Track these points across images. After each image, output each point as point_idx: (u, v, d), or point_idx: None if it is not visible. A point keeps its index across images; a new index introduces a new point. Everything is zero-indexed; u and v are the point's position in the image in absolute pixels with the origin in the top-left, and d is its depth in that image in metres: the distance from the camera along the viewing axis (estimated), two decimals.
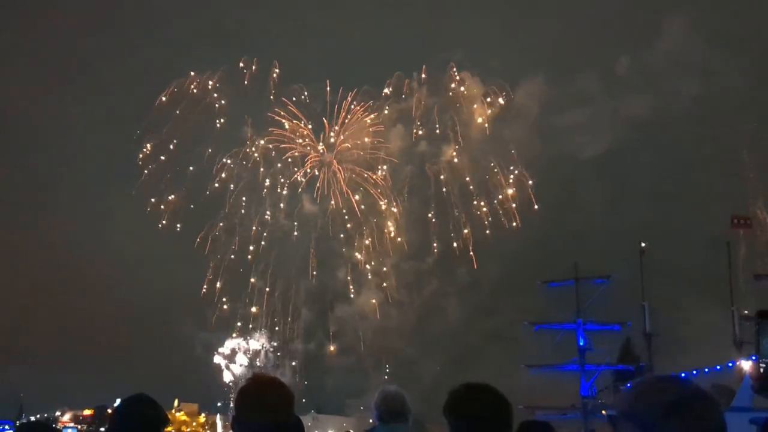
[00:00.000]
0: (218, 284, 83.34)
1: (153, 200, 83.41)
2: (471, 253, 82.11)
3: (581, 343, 48.08)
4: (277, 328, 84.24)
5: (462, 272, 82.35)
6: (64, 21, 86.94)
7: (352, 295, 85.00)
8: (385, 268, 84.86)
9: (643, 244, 49.96)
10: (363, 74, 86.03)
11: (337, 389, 77.65)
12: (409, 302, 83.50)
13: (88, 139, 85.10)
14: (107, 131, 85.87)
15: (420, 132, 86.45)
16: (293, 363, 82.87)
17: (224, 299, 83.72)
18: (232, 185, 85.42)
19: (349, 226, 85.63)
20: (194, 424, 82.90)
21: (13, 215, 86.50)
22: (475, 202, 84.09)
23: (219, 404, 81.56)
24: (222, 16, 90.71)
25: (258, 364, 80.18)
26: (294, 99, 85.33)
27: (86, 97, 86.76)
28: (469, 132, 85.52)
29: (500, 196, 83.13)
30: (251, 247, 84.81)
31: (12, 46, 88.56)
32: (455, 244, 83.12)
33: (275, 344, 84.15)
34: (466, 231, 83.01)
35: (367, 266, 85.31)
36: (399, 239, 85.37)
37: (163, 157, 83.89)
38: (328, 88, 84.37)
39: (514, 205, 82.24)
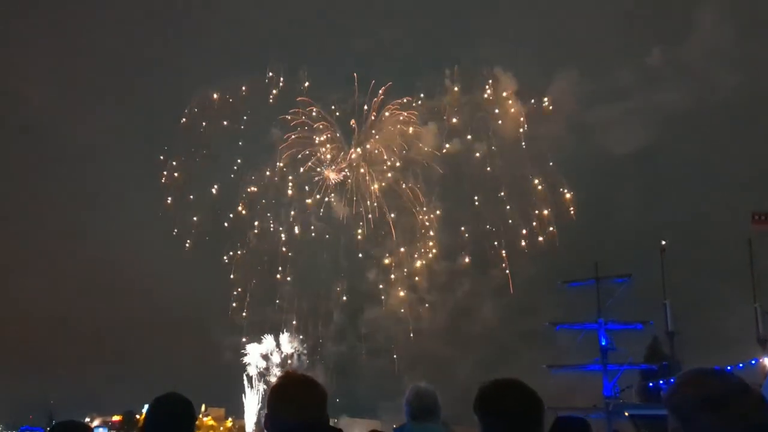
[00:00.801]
0: (248, 291, 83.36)
1: (180, 209, 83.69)
2: (503, 254, 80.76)
3: (603, 343, 48.23)
4: (301, 336, 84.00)
5: (495, 272, 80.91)
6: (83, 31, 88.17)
7: (383, 297, 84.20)
8: (416, 269, 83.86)
9: (663, 242, 50.13)
10: (392, 73, 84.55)
11: (370, 392, 77.15)
12: (441, 303, 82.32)
13: (115, 152, 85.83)
14: (134, 144, 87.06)
15: (452, 131, 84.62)
16: (325, 366, 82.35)
17: (251, 303, 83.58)
18: (259, 192, 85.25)
19: (380, 229, 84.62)
20: (221, 428, 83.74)
21: (42, 226, 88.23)
22: (508, 207, 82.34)
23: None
24: (244, 19, 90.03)
25: (290, 365, 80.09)
26: (321, 102, 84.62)
27: (114, 109, 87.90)
28: (503, 130, 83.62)
29: (536, 211, 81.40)
30: (282, 250, 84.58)
31: (39, 58, 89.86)
32: (488, 246, 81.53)
33: (306, 347, 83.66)
34: (499, 239, 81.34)
35: (398, 267, 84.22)
36: (431, 241, 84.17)
37: (189, 166, 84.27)
38: (356, 84, 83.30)
39: (546, 214, 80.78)
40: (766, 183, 65.52)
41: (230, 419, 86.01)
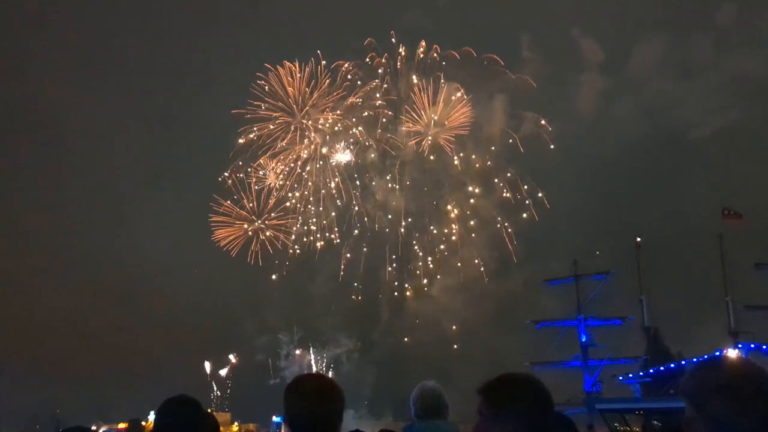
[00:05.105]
0: (287, 287, 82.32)
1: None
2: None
3: (583, 339, 49.01)
4: (325, 343, 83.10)
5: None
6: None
7: (429, 288, 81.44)
8: (464, 259, 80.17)
9: (638, 239, 50.48)
10: (456, 41, 78.46)
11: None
12: (492, 291, 77.59)
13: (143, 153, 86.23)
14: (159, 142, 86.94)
15: (524, 106, 78.81)
16: (373, 364, 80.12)
17: (288, 299, 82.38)
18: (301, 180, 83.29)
19: (427, 220, 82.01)
20: None
21: (52, 233, 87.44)
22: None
23: None
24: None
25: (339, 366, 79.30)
26: (377, 79, 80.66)
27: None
28: (576, 106, 78.31)
29: None
30: (333, 236, 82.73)
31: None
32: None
33: (355, 342, 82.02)
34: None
35: (446, 258, 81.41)
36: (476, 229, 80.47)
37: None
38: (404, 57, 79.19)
39: None
40: None
41: (236, 423, 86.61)
